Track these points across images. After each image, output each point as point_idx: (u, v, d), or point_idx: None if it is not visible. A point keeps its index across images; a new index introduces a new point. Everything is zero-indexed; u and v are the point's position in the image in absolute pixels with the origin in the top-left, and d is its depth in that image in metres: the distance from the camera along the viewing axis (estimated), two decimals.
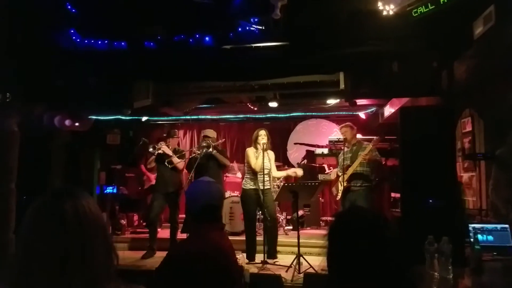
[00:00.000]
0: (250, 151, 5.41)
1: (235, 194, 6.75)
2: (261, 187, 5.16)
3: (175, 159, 5.76)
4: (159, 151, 5.75)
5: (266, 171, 5.21)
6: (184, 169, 6.03)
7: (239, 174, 7.61)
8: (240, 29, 4.45)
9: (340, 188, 5.28)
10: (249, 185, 5.28)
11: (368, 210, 1.34)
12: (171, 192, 5.72)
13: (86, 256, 1.08)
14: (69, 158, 6.62)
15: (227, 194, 6.74)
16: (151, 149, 5.83)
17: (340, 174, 5.33)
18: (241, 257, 4.89)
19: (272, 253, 5.14)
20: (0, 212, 4.68)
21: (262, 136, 5.25)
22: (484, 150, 4.77)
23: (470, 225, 3.28)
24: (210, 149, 5.60)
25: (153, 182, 7.20)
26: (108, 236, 1.20)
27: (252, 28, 4.38)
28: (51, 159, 6.13)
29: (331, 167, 7.08)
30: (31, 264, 1.06)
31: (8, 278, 1.07)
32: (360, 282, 1.12)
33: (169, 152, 5.76)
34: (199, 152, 5.65)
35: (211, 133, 6.00)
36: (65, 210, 1.10)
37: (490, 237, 3.21)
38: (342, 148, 5.45)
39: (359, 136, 5.72)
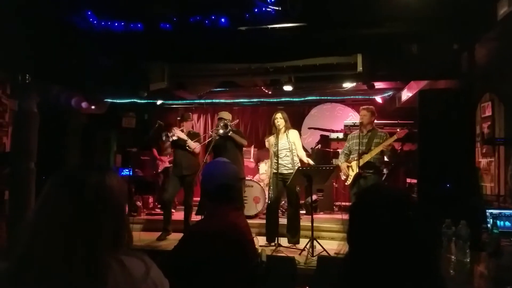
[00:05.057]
0: (269, 139, 5.43)
1: (249, 178, 6.79)
2: (277, 171, 5.15)
3: (191, 143, 5.75)
4: (174, 138, 5.74)
5: (283, 154, 5.17)
6: (200, 152, 6.06)
7: (252, 159, 7.63)
8: (256, 10, 4.38)
9: (352, 173, 5.24)
10: (273, 168, 5.28)
11: (392, 188, 1.32)
12: (186, 175, 5.76)
13: (98, 233, 1.07)
14: (85, 140, 6.71)
15: None
16: (164, 138, 5.83)
17: (349, 163, 5.28)
18: (255, 239, 4.93)
19: (293, 239, 5.18)
20: (21, 191, 4.79)
21: (278, 119, 5.21)
22: (504, 135, 4.67)
23: (487, 210, 3.23)
24: (228, 129, 5.53)
25: (167, 164, 7.28)
26: (125, 216, 1.20)
27: (268, 9, 4.32)
28: (68, 141, 6.23)
29: None
30: (39, 233, 1.05)
31: (15, 249, 1.06)
32: (383, 260, 1.10)
33: (184, 137, 5.74)
34: (216, 134, 5.58)
35: (226, 115, 5.93)
36: (90, 182, 1.10)
37: (508, 223, 3.16)
38: (358, 131, 5.35)
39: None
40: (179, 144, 5.78)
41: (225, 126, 5.54)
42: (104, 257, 1.07)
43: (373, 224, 1.14)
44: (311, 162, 5.35)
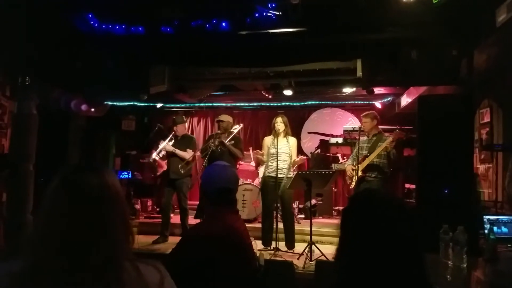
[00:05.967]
0: (265, 139, 5.48)
1: (248, 182, 6.78)
2: (275, 175, 5.15)
3: (179, 153, 5.79)
4: (164, 153, 5.98)
5: (282, 158, 5.17)
6: (195, 158, 6.11)
7: (253, 163, 7.62)
8: (257, 15, 4.40)
9: (355, 177, 5.24)
10: (266, 172, 5.31)
11: (384, 192, 1.33)
12: (174, 179, 5.79)
13: (106, 232, 1.07)
14: (84, 143, 6.72)
15: (240, 181, 6.75)
16: (156, 158, 6.09)
17: (354, 167, 5.28)
18: (254, 243, 4.92)
19: (288, 243, 5.16)
20: (19, 193, 4.79)
21: (278, 123, 5.23)
22: (502, 141, 4.68)
23: (485, 216, 3.24)
24: (225, 148, 5.61)
25: (165, 168, 7.30)
26: (127, 216, 1.20)
27: (269, 14, 4.34)
28: (67, 143, 6.24)
29: (345, 157, 7.04)
30: (50, 238, 1.04)
31: (24, 253, 1.05)
32: (373, 266, 1.11)
33: (171, 149, 5.83)
34: (215, 148, 5.64)
35: (226, 117, 5.89)
36: (90, 183, 1.10)
37: (505, 229, 3.18)
38: (357, 137, 5.38)
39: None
40: (172, 154, 5.88)
41: (222, 144, 5.61)
42: (118, 258, 1.07)
43: (362, 229, 1.14)
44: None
